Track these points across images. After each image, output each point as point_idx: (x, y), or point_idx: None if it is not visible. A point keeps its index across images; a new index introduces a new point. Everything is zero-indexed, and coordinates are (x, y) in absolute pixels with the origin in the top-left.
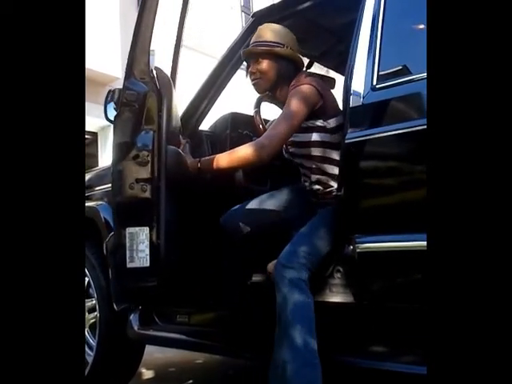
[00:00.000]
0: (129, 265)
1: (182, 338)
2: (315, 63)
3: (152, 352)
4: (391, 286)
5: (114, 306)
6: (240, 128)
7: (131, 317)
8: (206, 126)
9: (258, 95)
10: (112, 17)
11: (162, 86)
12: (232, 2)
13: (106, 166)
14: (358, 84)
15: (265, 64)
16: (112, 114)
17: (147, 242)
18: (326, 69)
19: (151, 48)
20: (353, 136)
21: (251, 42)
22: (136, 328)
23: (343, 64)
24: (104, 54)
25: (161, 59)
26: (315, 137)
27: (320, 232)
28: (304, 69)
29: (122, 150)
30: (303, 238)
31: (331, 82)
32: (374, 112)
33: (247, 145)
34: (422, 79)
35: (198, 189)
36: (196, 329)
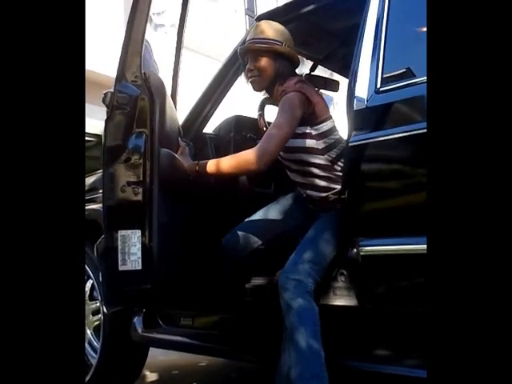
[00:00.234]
0: (121, 267)
1: (185, 341)
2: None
3: (156, 355)
4: (395, 289)
5: (105, 309)
6: (244, 131)
7: (135, 319)
8: (210, 128)
9: (262, 98)
10: (116, 18)
11: (155, 89)
12: (236, 4)
13: None
14: (362, 87)
15: (263, 61)
16: None
17: (139, 245)
18: (329, 71)
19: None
20: (357, 139)
21: (249, 38)
22: (140, 330)
23: (347, 67)
24: (108, 56)
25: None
26: (302, 143)
27: (322, 239)
28: (307, 71)
29: (114, 153)
30: (306, 246)
31: (335, 85)
32: (377, 115)
33: (245, 152)
34: (426, 82)
35: (196, 191)
36: (200, 332)
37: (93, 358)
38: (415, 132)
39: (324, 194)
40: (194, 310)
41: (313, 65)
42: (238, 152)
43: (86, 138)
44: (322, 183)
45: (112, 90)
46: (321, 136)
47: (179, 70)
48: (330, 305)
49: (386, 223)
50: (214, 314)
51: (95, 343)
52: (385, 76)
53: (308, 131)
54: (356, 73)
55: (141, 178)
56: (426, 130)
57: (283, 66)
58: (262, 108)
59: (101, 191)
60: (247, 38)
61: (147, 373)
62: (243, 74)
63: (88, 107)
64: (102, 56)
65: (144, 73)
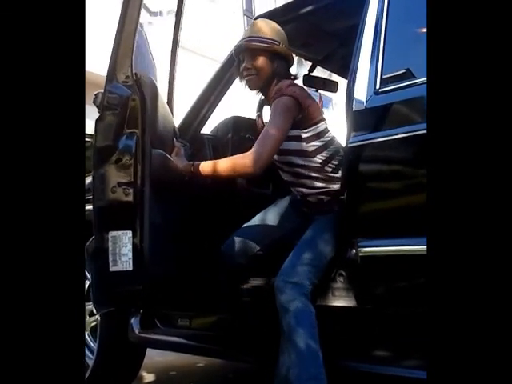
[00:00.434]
0: (112, 268)
1: (183, 342)
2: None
3: (153, 355)
4: (394, 290)
5: (94, 310)
6: (242, 132)
7: (132, 320)
8: (208, 129)
9: (260, 99)
10: (116, 20)
11: (146, 89)
12: (234, 5)
13: None
14: (361, 88)
15: (261, 60)
16: None
17: (130, 246)
18: (329, 72)
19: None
20: (356, 140)
21: (246, 36)
22: (137, 331)
23: (346, 67)
24: (107, 58)
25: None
26: (292, 145)
27: (318, 241)
28: (306, 71)
29: (104, 154)
30: (302, 249)
31: (334, 86)
32: (377, 116)
33: (241, 156)
34: (425, 83)
35: (192, 192)
36: (197, 332)
37: (89, 358)
38: (414, 133)
39: (315, 193)
40: (190, 311)
41: (312, 65)
42: (236, 152)
43: (86, 139)
44: (313, 183)
45: (102, 91)
46: (311, 139)
47: (175, 72)
48: (329, 306)
49: (385, 224)
50: (212, 314)
51: (92, 344)
52: (384, 77)
53: (298, 134)
54: (355, 74)
55: (132, 179)
56: (425, 131)
57: (280, 66)
58: (260, 109)
59: None
60: (243, 36)
61: (144, 374)
62: (238, 72)
63: (87, 108)
64: (101, 57)
65: (135, 73)
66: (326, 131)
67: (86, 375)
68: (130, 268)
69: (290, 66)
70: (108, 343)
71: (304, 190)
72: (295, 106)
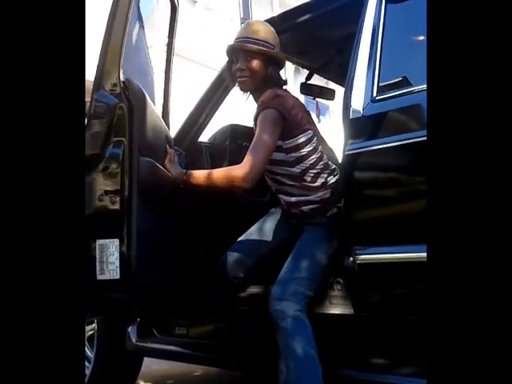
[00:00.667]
0: (99, 277)
1: (179, 351)
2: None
3: (150, 364)
4: (391, 297)
5: None
6: (239, 139)
7: (129, 329)
8: (205, 137)
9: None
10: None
11: (134, 98)
12: (232, 13)
13: None
14: (358, 95)
15: (256, 63)
16: None
17: (117, 254)
18: (325, 80)
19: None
20: (353, 147)
21: (242, 36)
22: (134, 340)
23: (343, 75)
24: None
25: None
26: (272, 155)
27: (307, 254)
28: (304, 79)
29: (92, 162)
30: (292, 264)
31: (331, 94)
32: (373, 123)
33: (233, 169)
34: (422, 91)
35: (187, 200)
36: (194, 341)
37: (86, 367)
38: (411, 141)
39: (295, 201)
40: (186, 319)
41: (309, 73)
42: (234, 160)
43: None
44: (292, 191)
45: (89, 99)
46: (291, 149)
47: (171, 80)
48: (326, 313)
49: (382, 231)
50: (209, 323)
51: (89, 353)
52: (381, 85)
53: (279, 144)
54: (352, 81)
55: (119, 187)
56: (421, 139)
57: (274, 71)
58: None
59: None
60: (239, 35)
61: (141, 383)
62: (229, 71)
63: None
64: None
65: (123, 81)
66: (308, 141)
67: None
68: (118, 276)
69: (281, 69)
70: (105, 352)
71: (285, 197)
72: (280, 118)
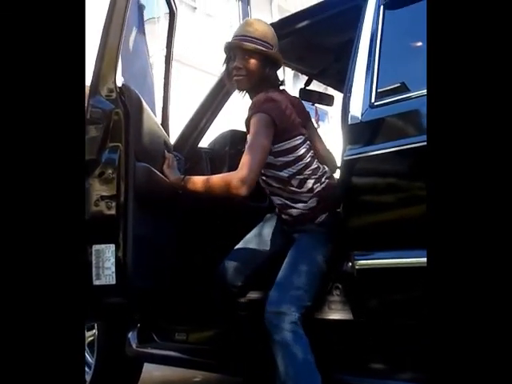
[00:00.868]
0: (95, 282)
1: (180, 356)
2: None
3: (150, 370)
4: (390, 302)
5: None
6: (239, 145)
7: (129, 334)
8: (205, 143)
9: None
10: None
11: (130, 103)
12: (231, 19)
13: None
14: (357, 101)
15: (253, 63)
16: None
17: (113, 260)
18: (324, 86)
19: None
20: (351, 153)
21: (241, 33)
22: (134, 346)
23: (342, 81)
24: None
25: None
26: None
27: (300, 264)
28: (303, 85)
29: (88, 168)
30: (286, 276)
31: (330, 99)
32: (372, 129)
33: (230, 174)
34: (420, 96)
35: (185, 205)
36: (194, 347)
37: (86, 373)
38: (410, 146)
39: (283, 204)
40: (186, 325)
41: (308, 79)
42: (234, 165)
43: None
44: (281, 194)
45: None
46: (279, 154)
47: (170, 86)
48: (325, 319)
49: (381, 237)
50: (208, 328)
51: (89, 359)
52: (379, 90)
53: None
54: (351, 87)
55: (115, 192)
56: (420, 144)
57: (271, 72)
58: None
59: None
60: (237, 33)
61: None
62: (226, 68)
63: None
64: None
65: (119, 87)
66: (297, 147)
67: None
68: (113, 282)
69: (278, 69)
70: (105, 358)
71: (276, 199)
72: (271, 124)
